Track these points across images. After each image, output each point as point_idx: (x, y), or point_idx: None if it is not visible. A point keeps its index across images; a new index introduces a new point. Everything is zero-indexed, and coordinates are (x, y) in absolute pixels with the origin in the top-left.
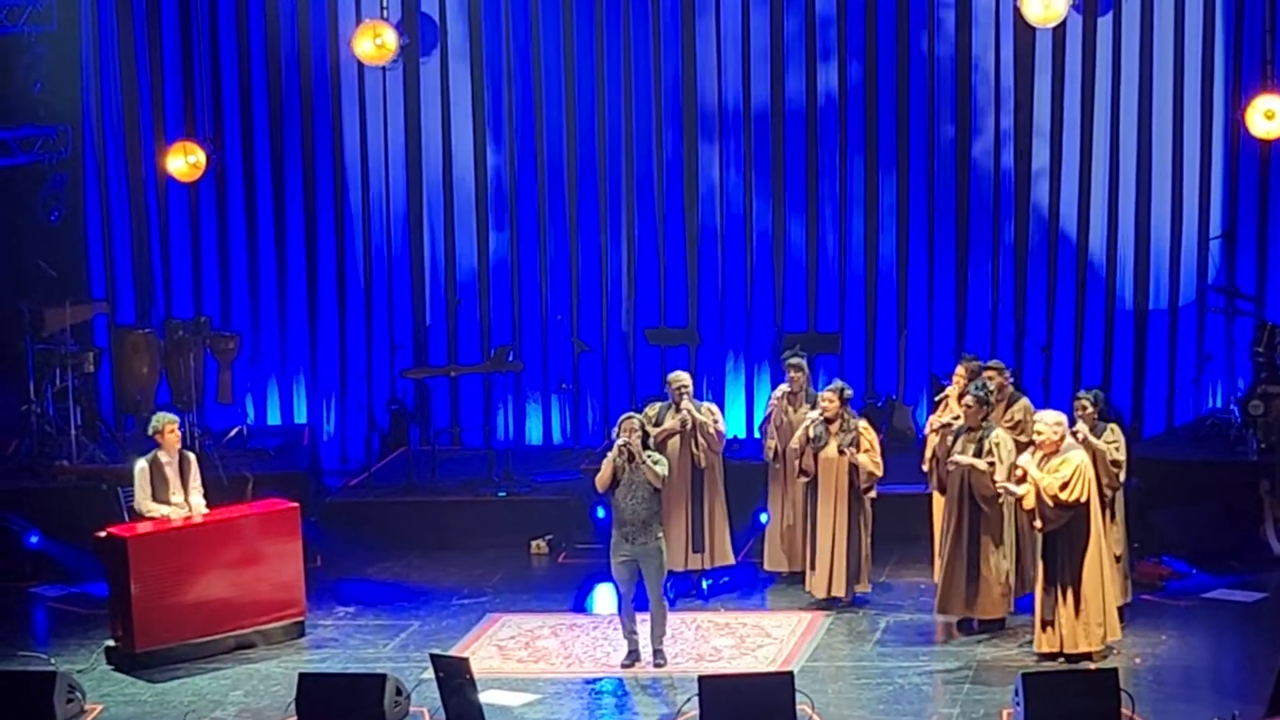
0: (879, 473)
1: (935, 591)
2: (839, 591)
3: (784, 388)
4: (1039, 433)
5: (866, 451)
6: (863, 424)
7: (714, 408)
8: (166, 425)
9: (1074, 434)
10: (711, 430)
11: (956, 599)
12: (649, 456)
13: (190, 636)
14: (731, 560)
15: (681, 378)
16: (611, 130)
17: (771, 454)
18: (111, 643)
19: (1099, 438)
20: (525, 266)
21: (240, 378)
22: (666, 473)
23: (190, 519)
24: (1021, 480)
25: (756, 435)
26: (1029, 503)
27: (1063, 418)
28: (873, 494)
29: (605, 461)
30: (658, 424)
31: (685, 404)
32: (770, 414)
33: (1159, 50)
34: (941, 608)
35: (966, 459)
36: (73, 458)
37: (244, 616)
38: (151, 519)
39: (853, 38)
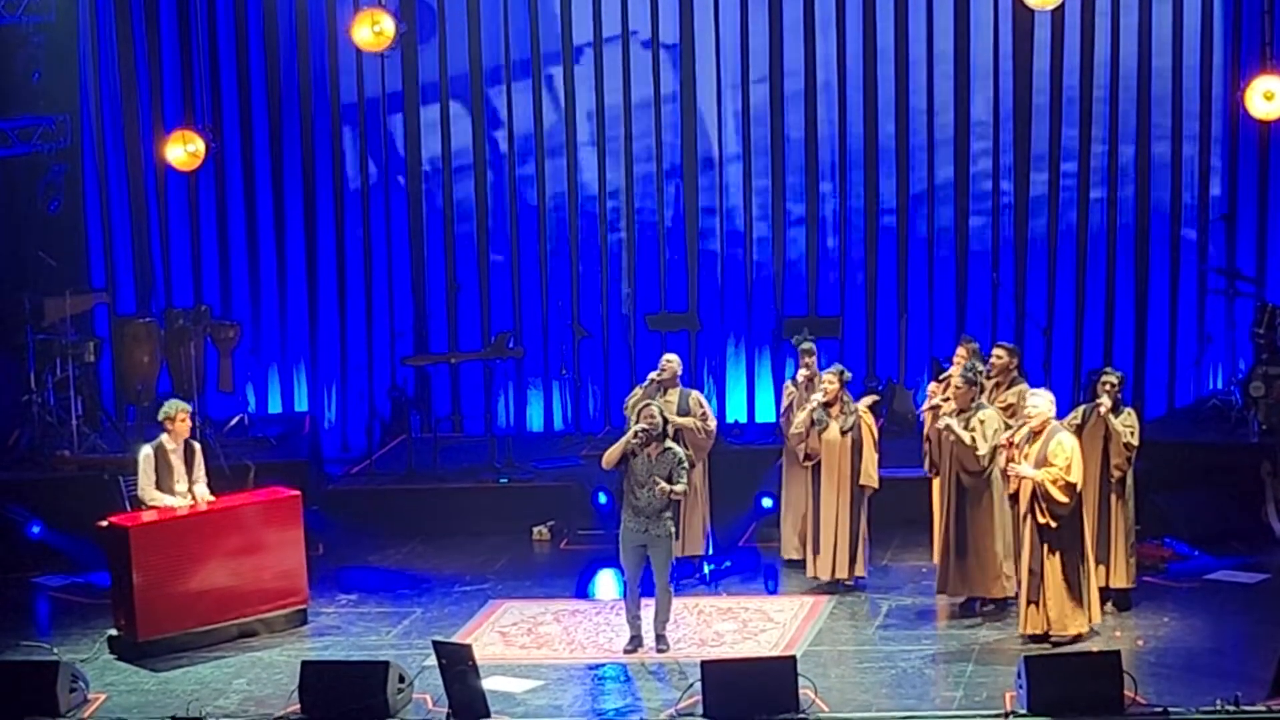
0: (874, 476)
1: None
2: (843, 574)
3: (802, 373)
4: (1035, 407)
5: (870, 443)
6: (862, 407)
7: (702, 399)
8: (179, 413)
9: (1097, 407)
10: (699, 434)
11: (953, 578)
12: (669, 453)
13: (193, 625)
14: (701, 550)
15: (668, 360)
16: (610, 113)
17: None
18: (114, 632)
19: (1117, 418)
20: (525, 253)
21: (241, 366)
22: (685, 489)
23: (195, 507)
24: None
25: (762, 420)
26: (1024, 496)
27: (1053, 399)
28: (875, 480)
29: (619, 443)
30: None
31: (668, 399)
32: (791, 401)
33: (1158, 32)
34: (940, 588)
35: (948, 420)
36: (74, 448)
37: (246, 605)
38: (155, 508)
39: (851, 19)
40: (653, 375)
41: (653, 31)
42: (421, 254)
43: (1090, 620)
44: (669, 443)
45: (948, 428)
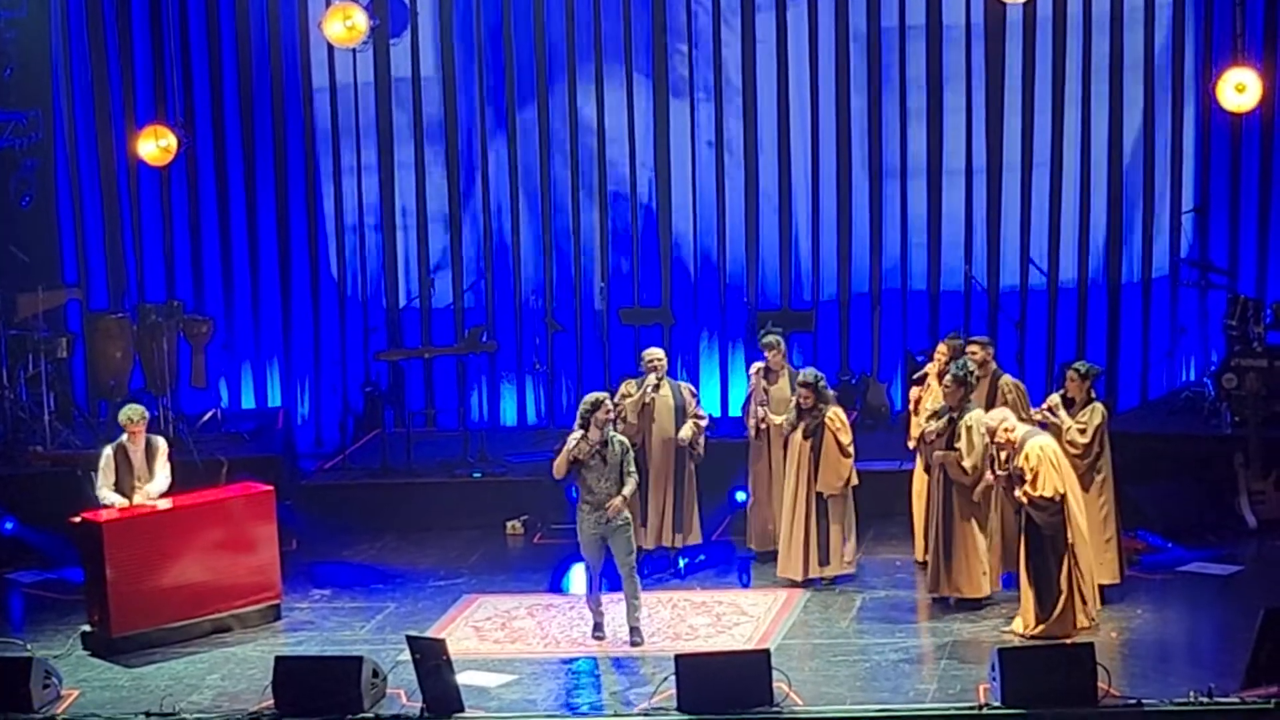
0: (841, 478)
1: (923, 569)
2: (796, 575)
3: (759, 364)
4: (984, 436)
5: (833, 449)
6: (831, 413)
7: (693, 390)
8: (129, 422)
9: (1045, 405)
10: (701, 433)
11: (939, 578)
12: (615, 442)
13: (166, 621)
14: (699, 539)
15: (656, 354)
16: (584, 109)
17: (754, 432)
18: (88, 628)
19: (1075, 414)
20: (498, 247)
21: (214, 361)
22: (635, 489)
23: (155, 506)
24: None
25: (736, 414)
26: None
27: (1008, 413)
28: (835, 488)
29: (564, 451)
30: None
31: (663, 384)
32: (751, 391)
33: (1129, 23)
34: (930, 587)
35: (940, 454)
36: (47, 443)
37: (220, 600)
38: (110, 506)
39: (823, 7)
40: (652, 378)
41: (624, 20)
42: (394, 249)
43: (1089, 616)
44: (609, 431)
45: (941, 457)
